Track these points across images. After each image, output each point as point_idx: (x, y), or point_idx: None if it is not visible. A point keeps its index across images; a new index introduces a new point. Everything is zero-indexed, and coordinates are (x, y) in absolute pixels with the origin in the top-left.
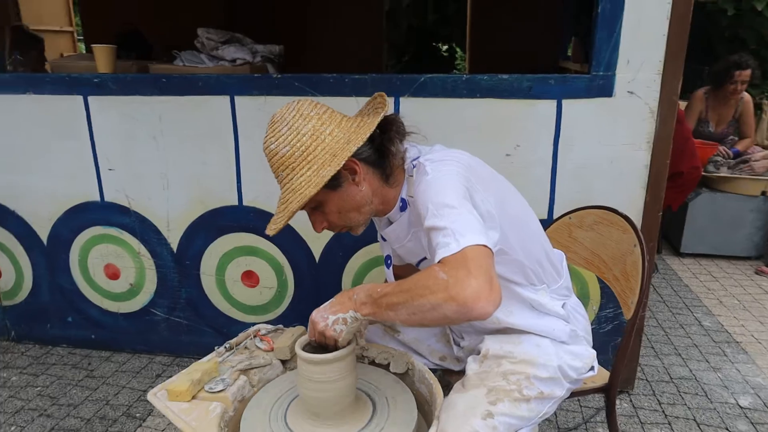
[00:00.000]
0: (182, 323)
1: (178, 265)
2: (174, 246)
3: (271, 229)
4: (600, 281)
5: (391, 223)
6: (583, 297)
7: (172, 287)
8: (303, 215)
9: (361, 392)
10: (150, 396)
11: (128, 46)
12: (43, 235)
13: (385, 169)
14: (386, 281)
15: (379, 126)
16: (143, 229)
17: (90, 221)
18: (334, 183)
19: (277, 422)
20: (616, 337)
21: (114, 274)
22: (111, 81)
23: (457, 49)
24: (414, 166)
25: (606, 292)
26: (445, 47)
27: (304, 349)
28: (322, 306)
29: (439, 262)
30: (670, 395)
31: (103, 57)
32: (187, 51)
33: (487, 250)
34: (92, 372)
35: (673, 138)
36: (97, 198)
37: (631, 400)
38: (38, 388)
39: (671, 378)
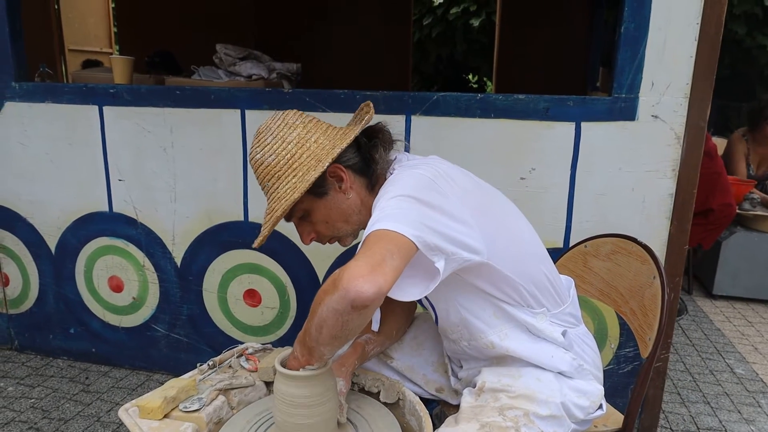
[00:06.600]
0: (182, 341)
1: (181, 280)
2: (178, 260)
3: (257, 241)
4: (619, 317)
5: None
6: (601, 333)
7: (174, 303)
8: None
9: (346, 421)
10: (121, 412)
11: (159, 67)
12: (52, 243)
13: (370, 177)
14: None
15: (367, 135)
16: (149, 241)
17: (97, 231)
18: (319, 190)
19: None
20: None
21: (117, 287)
22: (126, 92)
23: (487, 81)
24: (391, 173)
25: (626, 330)
26: (474, 78)
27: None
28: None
29: None
30: None
31: (119, 68)
32: (205, 66)
33: (401, 238)
34: (88, 387)
35: (704, 172)
36: (106, 208)
37: None
38: (32, 400)
39: (698, 428)
